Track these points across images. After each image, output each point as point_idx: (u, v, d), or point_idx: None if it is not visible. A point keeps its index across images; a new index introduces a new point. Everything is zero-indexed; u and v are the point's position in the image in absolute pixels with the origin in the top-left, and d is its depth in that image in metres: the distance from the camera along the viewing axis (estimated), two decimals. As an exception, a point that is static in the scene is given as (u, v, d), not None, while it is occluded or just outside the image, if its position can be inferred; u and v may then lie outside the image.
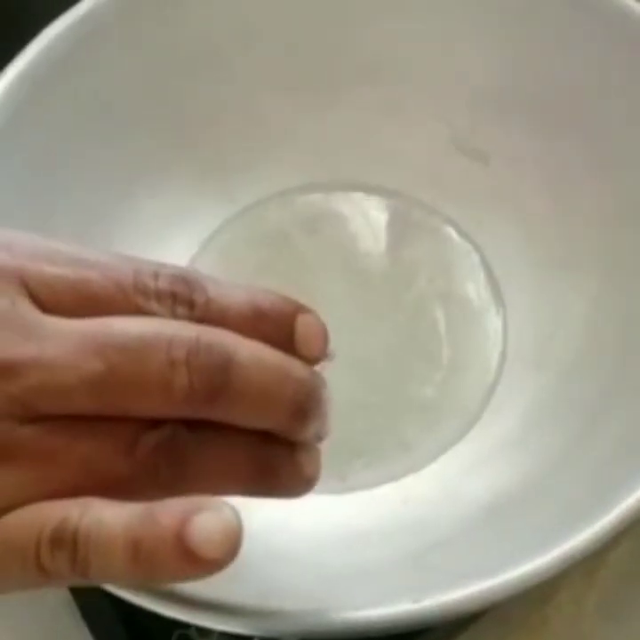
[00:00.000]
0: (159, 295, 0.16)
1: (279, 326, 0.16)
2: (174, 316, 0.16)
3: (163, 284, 0.16)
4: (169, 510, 0.15)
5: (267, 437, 0.17)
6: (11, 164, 0.25)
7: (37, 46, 0.26)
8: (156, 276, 0.16)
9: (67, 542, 0.15)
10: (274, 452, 0.17)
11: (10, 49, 0.26)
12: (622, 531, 0.20)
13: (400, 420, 0.28)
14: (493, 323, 0.30)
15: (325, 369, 0.17)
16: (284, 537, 0.25)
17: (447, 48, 0.29)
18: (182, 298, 0.16)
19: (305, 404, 0.16)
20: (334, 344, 0.27)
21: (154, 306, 0.16)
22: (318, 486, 0.27)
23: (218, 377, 0.15)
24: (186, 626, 0.22)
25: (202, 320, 0.16)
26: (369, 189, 0.32)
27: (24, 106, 0.25)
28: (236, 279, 0.29)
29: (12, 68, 0.25)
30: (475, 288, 0.30)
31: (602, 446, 0.24)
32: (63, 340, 0.15)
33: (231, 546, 0.15)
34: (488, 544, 0.23)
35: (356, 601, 0.20)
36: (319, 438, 0.18)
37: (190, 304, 0.16)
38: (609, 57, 0.26)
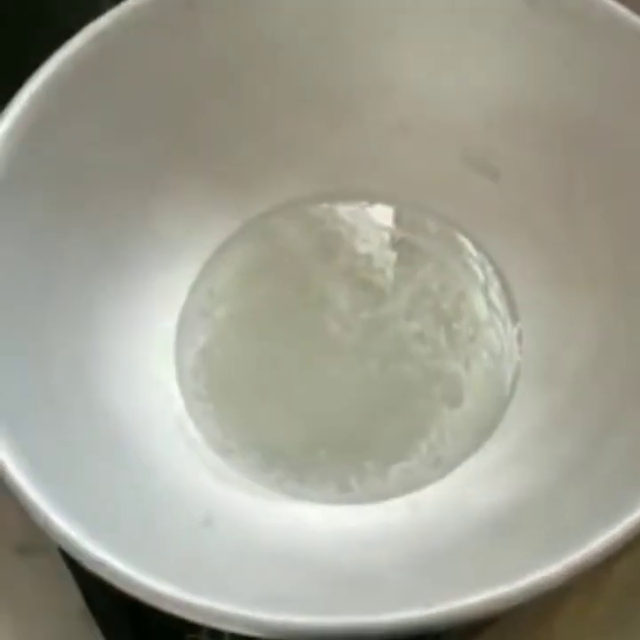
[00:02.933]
0: None
1: None
2: None
3: None
4: None
5: None
6: (27, 185, 0.26)
7: (55, 62, 0.26)
8: None
9: None
10: None
11: (23, 70, 0.26)
12: (628, 543, 0.21)
13: (416, 434, 0.29)
14: (508, 336, 0.30)
15: None
16: (295, 543, 0.25)
17: (459, 68, 0.29)
18: None
19: None
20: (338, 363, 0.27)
21: None
22: (328, 495, 0.27)
23: None
24: (197, 629, 0.22)
25: None
26: (380, 199, 0.32)
27: (41, 120, 0.26)
28: (244, 289, 0.30)
29: (26, 89, 0.26)
30: (489, 300, 0.30)
31: (610, 460, 0.24)
32: None
33: None
34: (498, 552, 0.23)
35: (367, 605, 0.20)
36: None
37: None
38: (623, 77, 0.26)
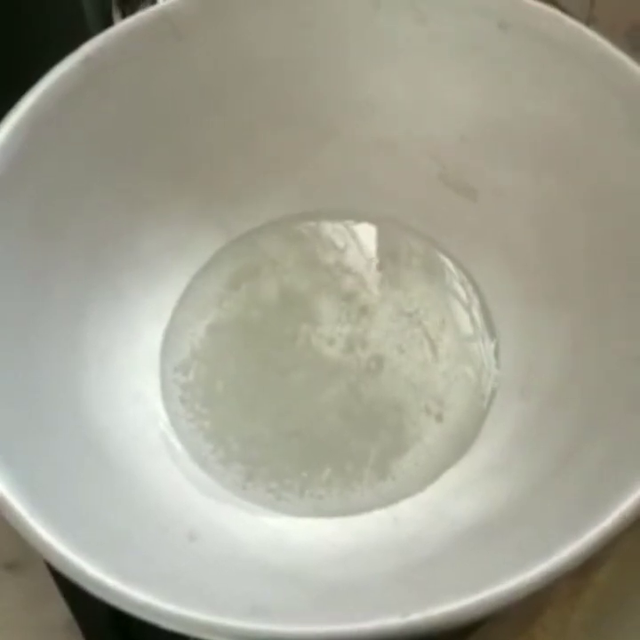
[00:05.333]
0: None
1: None
2: None
3: None
4: None
5: None
6: (11, 210, 0.26)
7: (43, 86, 0.26)
8: None
9: None
10: None
11: (9, 95, 0.27)
12: (602, 548, 0.21)
13: (397, 447, 0.29)
14: (487, 350, 0.30)
15: None
16: (277, 554, 0.26)
17: (437, 89, 0.30)
18: None
19: None
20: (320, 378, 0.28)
21: None
22: (310, 508, 0.28)
23: None
24: (184, 639, 0.22)
25: None
26: (365, 218, 0.33)
27: (29, 141, 0.26)
28: (229, 306, 0.31)
29: (13, 113, 0.26)
30: (469, 317, 0.31)
31: (585, 468, 0.25)
32: None
33: None
34: (476, 561, 0.23)
35: (347, 615, 0.21)
36: None
37: None
38: (592, 95, 0.27)
